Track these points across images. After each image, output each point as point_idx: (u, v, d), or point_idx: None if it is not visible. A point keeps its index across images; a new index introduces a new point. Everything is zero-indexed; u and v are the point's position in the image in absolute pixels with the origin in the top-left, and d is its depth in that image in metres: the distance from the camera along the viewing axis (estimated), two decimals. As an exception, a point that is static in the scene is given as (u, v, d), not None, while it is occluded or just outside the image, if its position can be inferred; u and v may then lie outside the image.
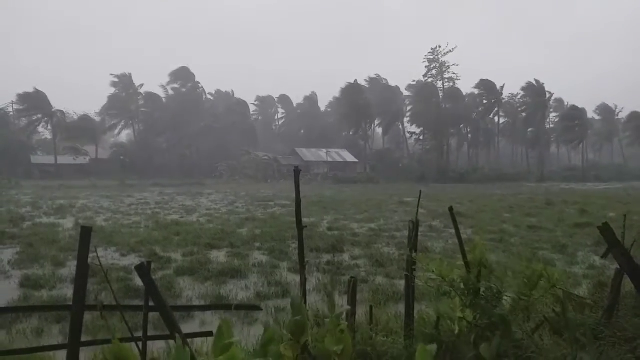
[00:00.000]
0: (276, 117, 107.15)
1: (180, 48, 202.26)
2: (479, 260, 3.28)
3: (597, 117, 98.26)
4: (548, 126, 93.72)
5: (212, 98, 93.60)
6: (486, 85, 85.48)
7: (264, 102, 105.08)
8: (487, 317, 3.14)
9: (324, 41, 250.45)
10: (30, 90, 74.85)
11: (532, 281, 3.19)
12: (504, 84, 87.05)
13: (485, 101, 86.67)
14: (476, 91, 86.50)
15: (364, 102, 79.28)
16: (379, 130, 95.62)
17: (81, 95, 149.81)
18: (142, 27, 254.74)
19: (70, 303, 3.37)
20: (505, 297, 3.35)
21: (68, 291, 7.81)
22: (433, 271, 3.30)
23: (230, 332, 1.59)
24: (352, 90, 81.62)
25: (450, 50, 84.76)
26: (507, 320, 3.15)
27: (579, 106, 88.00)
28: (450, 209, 4.10)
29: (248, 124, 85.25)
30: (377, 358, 3.70)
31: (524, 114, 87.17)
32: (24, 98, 74.51)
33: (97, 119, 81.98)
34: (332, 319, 2.26)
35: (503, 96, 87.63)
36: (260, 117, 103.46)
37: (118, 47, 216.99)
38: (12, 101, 76.26)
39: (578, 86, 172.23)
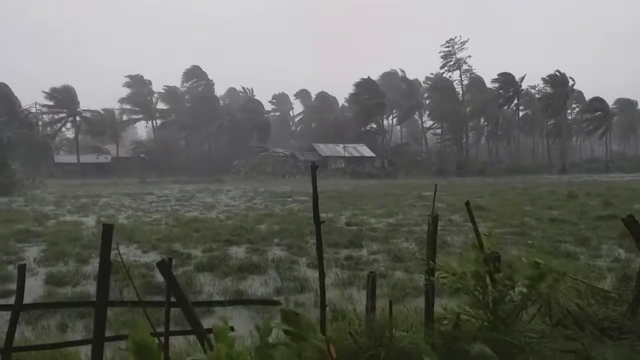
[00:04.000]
0: (293, 114, 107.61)
1: (194, 48, 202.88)
2: (490, 253, 3.23)
3: (616, 111, 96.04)
4: (570, 117, 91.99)
5: (226, 97, 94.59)
6: (505, 78, 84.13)
7: (281, 99, 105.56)
8: (499, 311, 3.10)
9: (340, 31, 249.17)
10: (58, 85, 76.75)
11: (539, 271, 3.12)
12: (524, 75, 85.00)
13: (502, 92, 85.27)
14: (495, 84, 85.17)
15: (377, 97, 78.95)
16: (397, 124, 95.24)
17: (95, 94, 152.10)
18: (152, 28, 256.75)
19: (94, 299, 3.44)
20: (518, 290, 3.31)
21: (91, 287, 7.96)
22: (442, 267, 3.27)
23: (227, 328, 1.55)
24: (364, 86, 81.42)
25: (465, 41, 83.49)
26: (519, 314, 3.11)
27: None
28: (467, 203, 4.06)
29: (264, 121, 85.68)
30: (396, 353, 3.69)
31: (544, 105, 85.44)
32: (53, 93, 76.11)
33: (117, 116, 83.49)
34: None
35: (522, 87, 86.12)
36: (278, 114, 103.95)
37: (131, 47, 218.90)
38: (36, 102, 77.99)
39: (598, 81, 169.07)
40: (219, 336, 1.43)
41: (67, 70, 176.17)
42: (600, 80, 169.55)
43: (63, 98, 76.05)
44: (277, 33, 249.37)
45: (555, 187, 34.29)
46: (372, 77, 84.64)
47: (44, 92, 76.42)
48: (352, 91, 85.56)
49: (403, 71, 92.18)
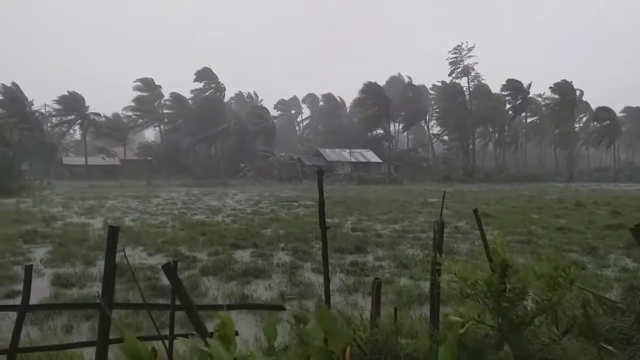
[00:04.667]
0: (300, 119, 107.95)
1: (202, 50, 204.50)
2: (501, 260, 3.21)
3: (624, 120, 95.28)
4: (578, 125, 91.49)
5: (233, 101, 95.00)
6: (513, 85, 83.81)
7: (289, 104, 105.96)
8: (509, 319, 3.08)
9: (345, 34, 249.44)
10: (66, 92, 77.52)
11: (554, 280, 3.10)
12: (531, 82, 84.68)
13: (510, 99, 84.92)
14: (503, 91, 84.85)
15: (383, 102, 78.94)
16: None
17: (105, 96, 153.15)
18: (161, 29, 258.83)
19: (99, 301, 3.45)
20: (528, 298, 3.28)
21: (97, 289, 7.98)
22: (455, 273, 3.25)
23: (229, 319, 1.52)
24: (370, 90, 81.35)
25: (471, 48, 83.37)
26: (530, 323, 3.08)
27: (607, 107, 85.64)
28: (475, 210, 4.05)
29: (270, 125, 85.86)
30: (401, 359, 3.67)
31: (552, 113, 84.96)
32: (61, 100, 76.91)
33: (125, 120, 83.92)
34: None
35: (530, 95, 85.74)
36: (285, 118, 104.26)
37: (143, 50, 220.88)
38: (45, 104, 78.72)
39: (605, 88, 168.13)
40: (221, 327, 1.42)
41: (78, 72, 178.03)
42: (608, 88, 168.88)
43: (72, 103, 76.77)
44: (286, 37, 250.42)
45: (563, 196, 34.08)
46: (377, 82, 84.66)
47: (54, 100, 77.42)
48: (357, 95, 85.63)
49: (409, 77, 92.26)
